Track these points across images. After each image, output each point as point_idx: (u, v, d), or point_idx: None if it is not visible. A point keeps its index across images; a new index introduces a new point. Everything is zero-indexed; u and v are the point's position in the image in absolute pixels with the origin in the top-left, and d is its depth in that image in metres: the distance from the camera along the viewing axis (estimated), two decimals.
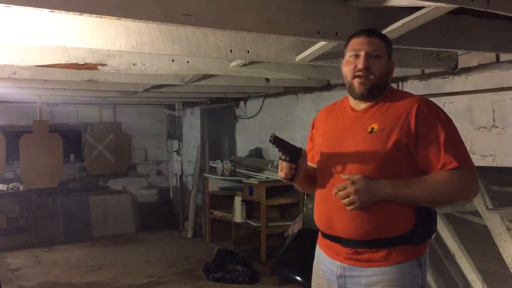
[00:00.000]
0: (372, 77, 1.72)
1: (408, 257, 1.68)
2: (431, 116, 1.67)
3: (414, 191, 1.64)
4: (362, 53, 1.73)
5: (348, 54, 1.78)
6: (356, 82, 1.75)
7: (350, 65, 1.76)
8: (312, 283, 1.92)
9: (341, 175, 1.71)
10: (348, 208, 1.66)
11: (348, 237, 1.72)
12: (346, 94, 1.88)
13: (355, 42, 1.76)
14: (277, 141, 1.80)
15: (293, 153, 1.82)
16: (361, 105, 1.80)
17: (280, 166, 1.84)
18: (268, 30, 2.03)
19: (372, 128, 1.71)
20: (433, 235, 1.75)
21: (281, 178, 1.86)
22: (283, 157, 1.82)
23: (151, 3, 1.74)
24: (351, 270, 1.73)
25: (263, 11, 1.99)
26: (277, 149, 1.83)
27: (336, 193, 1.68)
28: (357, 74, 1.74)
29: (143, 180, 7.73)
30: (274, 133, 1.81)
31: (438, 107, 1.74)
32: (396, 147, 1.66)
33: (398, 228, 1.68)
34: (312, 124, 2.02)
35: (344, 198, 1.66)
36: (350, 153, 1.74)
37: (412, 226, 1.68)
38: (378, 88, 1.75)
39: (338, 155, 1.78)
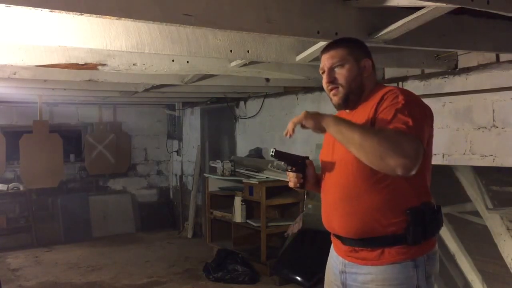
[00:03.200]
0: (340, 88, 1.81)
1: (402, 257, 1.69)
2: (389, 101, 1.67)
3: (350, 129, 1.61)
4: (325, 70, 1.84)
5: (320, 72, 1.89)
6: (331, 95, 1.86)
7: (323, 81, 1.87)
8: (325, 276, 1.99)
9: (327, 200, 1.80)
10: (293, 121, 1.72)
11: (344, 235, 1.79)
12: None
13: (321, 61, 1.88)
14: (278, 155, 1.87)
15: (298, 163, 1.90)
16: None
17: (288, 177, 1.93)
18: (268, 30, 2.04)
19: None
20: (432, 237, 1.74)
21: (292, 187, 1.95)
22: (288, 169, 1.90)
23: (151, 3, 1.74)
24: (350, 267, 1.79)
25: (263, 11, 2.00)
26: (282, 162, 1.88)
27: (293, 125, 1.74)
28: (328, 89, 1.85)
29: (143, 180, 7.74)
30: (275, 148, 1.87)
31: (403, 92, 1.71)
32: None
33: (391, 228, 1.69)
34: None
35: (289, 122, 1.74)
36: (336, 153, 1.81)
37: (406, 226, 1.68)
38: (352, 94, 1.81)
39: (329, 155, 1.87)
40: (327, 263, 1.98)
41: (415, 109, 1.67)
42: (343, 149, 1.74)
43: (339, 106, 1.85)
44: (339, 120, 1.67)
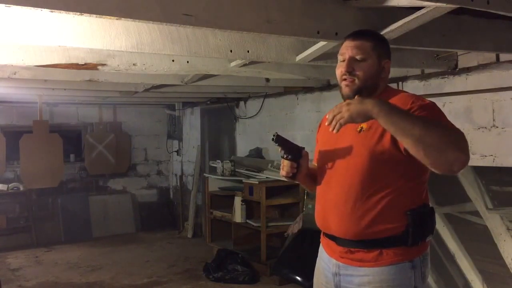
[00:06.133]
0: (356, 80, 1.76)
1: (400, 258, 1.68)
2: (416, 104, 1.65)
3: (411, 121, 1.50)
4: (346, 57, 1.78)
5: (338, 57, 1.84)
6: (343, 84, 1.80)
7: (339, 68, 1.81)
8: (314, 279, 1.95)
9: (325, 200, 1.68)
10: (338, 121, 1.57)
11: (341, 236, 1.75)
12: None
13: (343, 46, 1.82)
14: (279, 140, 1.85)
15: (294, 152, 1.88)
16: None
17: (282, 165, 1.89)
18: (268, 30, 2.03)
19: (361, 128, 1.74)
20: (428, 238, 1.74)
21: (283, 176, 1.91)
22: (284, 156, 1.87)
23: (151, 3, 1.74)
24: (345, 269, 1.76)
25: (263, 11, 2.00)
26: (279, 148, 1.86)
27: (332, 117, 1.60)
28: (343, 78, 1.79)
29: (143, 180, 7.74)
30: (277, 132, 1.87)
31: (431, 102, 1.71)
32: (382, 143, 1.67)
33: (389, 230, 1.68)
34: (319, 125, 2.07)
35: (335, 111, 1.59)
36: (340, 152, 1.78)
37: (404, 228, 1.68)
38: (365, 90, 1.77)
39: (331, 153, 1.83)
40: (316, 264, 1.94)
41: (443, 114, 1.70)
42: (353, 148, 1.73)
43: (347, 98, 1.79)
44: (391, 109, 1.53)
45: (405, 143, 1.53)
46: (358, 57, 1.76)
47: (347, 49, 1.78)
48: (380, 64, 1.78)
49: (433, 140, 1.48)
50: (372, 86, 1.78)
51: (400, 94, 1.78)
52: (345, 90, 1.78)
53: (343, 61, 1.79)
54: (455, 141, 1.51)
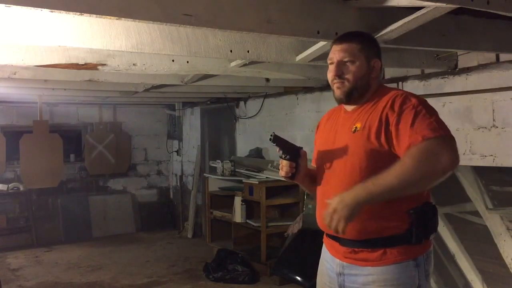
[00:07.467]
0: (346, 83, 1.78)
1: (403, 257, 1.69)
2: (401, 105, 1.66)
3: (385, 184, 1.55)
4: (334, 62, 1.80)
5: (328, 62, 1.86)
6: (334, 88, 1.83)
7: (329, 73, 1.84)
8: (317, 279, 1.96)
9: (325, 200, 1.69)
10: (340, 230, 1.58)
11: (344, 236, 1.74)
12: None
13: (331, 51, 1.85)
14: (277, 140, 1.86)
15: (293, 152, 1.88)
16: (351, 107, 1.85)
17: (280, 165, 1.90)
18: (268, 30, 2.04)
19: (356, 128, 1.75)
20: (432, 236, 1.74)
21: (282, 176, 1.92)
22: (283, 156, 1.88)
23: (151, 3, 1.74)
24: (349, 268, 1.77)
25: (263, 11, 2.00)
26: (277, 148, 1.86)
27: (328, 226, 1.61)
28: (333, 82, 1.82)
29: (143, 180, 7.74)
30: (274, 132, 1.88)
31: (412, 95, 1.72)
32: (375, 143, 1.68)
33: (392, 228, 1.69)
34: (317, 127, 2.08)
35: (332, 225, 1.59)
36: (338, 152, 1.79)
37: (407, 226, 1.68)
38: (356, 91, 1.79)
39: (329, 154, 1.84)
40: (319, 265, 1.95)
41: (430, 107, 1.68)
42: (349, 148, 1.75)
43: (340, 100, 1.83)
44: (368, 188, 1.57)
45: (405, 194, 1.62)
46: (345, 60, 1.78)
47: (334, 54, 1.81)
48: (369, 64, 1.80)
49: (413, 180, 1.55)
50: (363, 87, 1.79)
51: (391, 93, 1.77)
52: (337, 92, 1.82)
53: (332, 65, 1.82)
54: (429, 158, 1.55)
